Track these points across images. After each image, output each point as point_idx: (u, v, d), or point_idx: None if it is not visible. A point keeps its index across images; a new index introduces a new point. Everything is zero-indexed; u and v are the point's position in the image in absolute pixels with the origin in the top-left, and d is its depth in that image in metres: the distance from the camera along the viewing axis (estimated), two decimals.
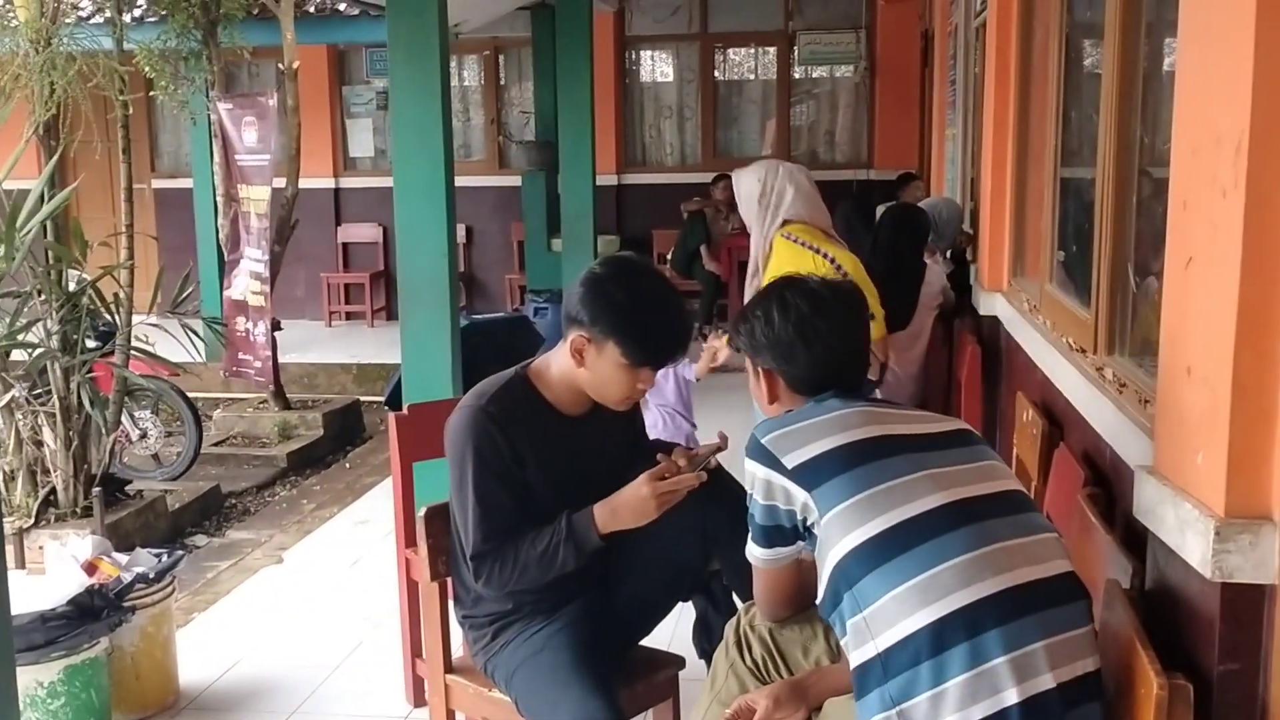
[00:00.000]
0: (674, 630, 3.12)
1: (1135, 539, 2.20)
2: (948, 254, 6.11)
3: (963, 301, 5.55)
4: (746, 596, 2.50)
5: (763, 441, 2.01)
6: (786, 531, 2.02)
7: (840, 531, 1.88)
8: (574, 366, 2.47)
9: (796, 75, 11.54)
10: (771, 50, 11.54)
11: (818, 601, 1.96)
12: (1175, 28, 2.11)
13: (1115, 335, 2.83)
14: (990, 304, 4.78)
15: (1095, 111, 3.02)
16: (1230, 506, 1.77)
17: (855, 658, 1.86)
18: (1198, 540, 1.80)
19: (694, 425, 5.08)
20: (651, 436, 5.07)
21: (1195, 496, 1.85)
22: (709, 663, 2.62)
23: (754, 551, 2.11)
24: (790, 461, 1.96)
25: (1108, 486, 2.64)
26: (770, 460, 1.98)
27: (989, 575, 1.81)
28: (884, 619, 1.82)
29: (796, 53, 11.35)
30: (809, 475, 1.94)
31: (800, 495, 1.94)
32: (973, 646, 1.76)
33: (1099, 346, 2.86)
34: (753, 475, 2.03)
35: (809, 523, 1.94)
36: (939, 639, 1.77)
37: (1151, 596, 2.08)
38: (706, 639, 2.84)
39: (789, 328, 2.15)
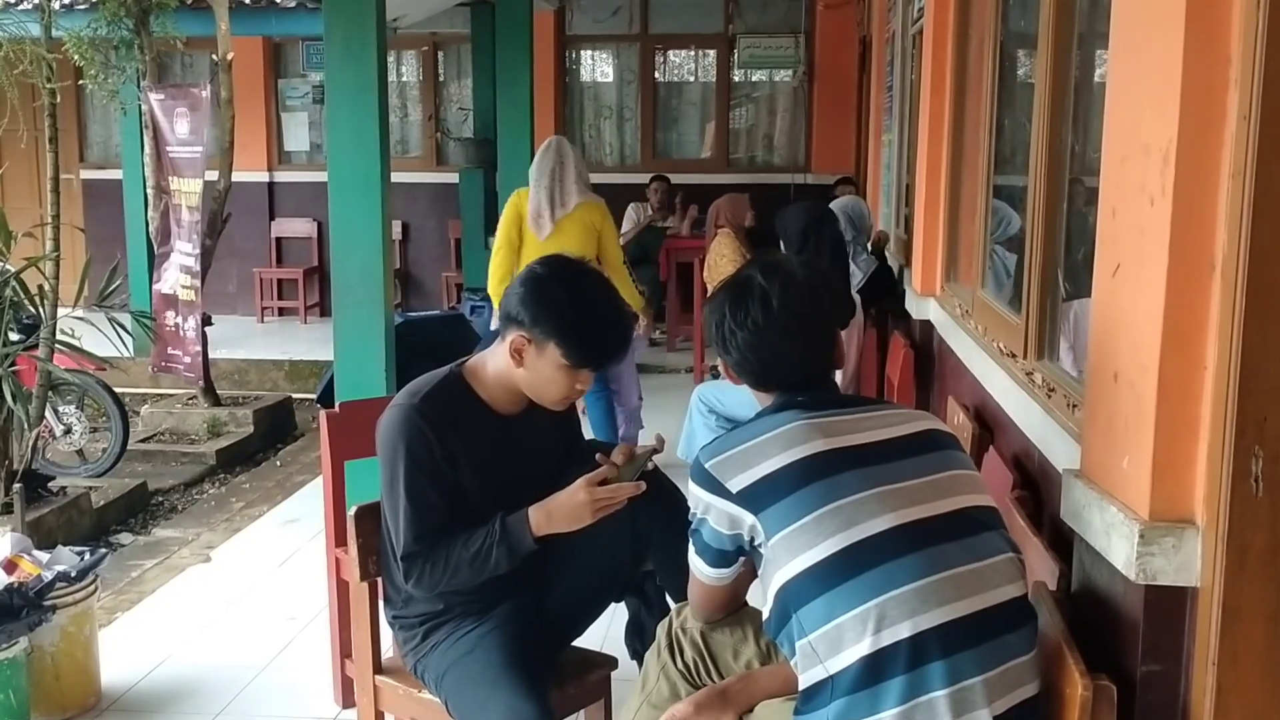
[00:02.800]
0: (606, 631, 3.12)
1: (1062, 541, 2.23)
2: (869, 250, 6.22)
3: (890, 303, 5.62)
4: (679, 597, 2.49)
5: (706, 466, 1.97)
6: (731, 554, 2.01)
7: (788, 554, 1.85)
8: (511, 366, 2.45)
9: (736, 78, 11.58)
10: (711, 53, 11.58)
11: (764, 619, 1.94)
12: (1107, 39, 2.14)
13: (1045, 341, 2.86)
14: (923, 308, 4.84)
15: (1028, 120, 3.06)
16: (1154, 510, 1.80)
17: (805, 679, 1.85)
18: (1122, 543, 1.83)
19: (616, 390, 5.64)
20: None
21: (1121, 500, 1.88)
22: (641, 663, 2.61)
23: (700, 568, 2.09)
24: (735, 486, 1.92)
25: (1035, 489, 2.68)
26: (714, 486, 1.94)
27: (934, 606, 1.78)
28: (830, 645, 1.80)
29: (736, 56, 11.39)
30: (755, 498, 1.90)
31: (747, 518, 1.90)
32: (912, 679, 1.76)
33: (1029, 351, 2.90)
34: (697, 500, 1.99)
35: (756, 543, 1.91)
36: (879, 669, 1.77)
37: (1077, 598, 2.11)
38: (639, 640, 2.84)
39: (712, 324, 2.11)
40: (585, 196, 5.38)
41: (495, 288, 5.45)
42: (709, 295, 2.21)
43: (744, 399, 2.41)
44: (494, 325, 5.57)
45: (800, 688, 1.87)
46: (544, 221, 5.32)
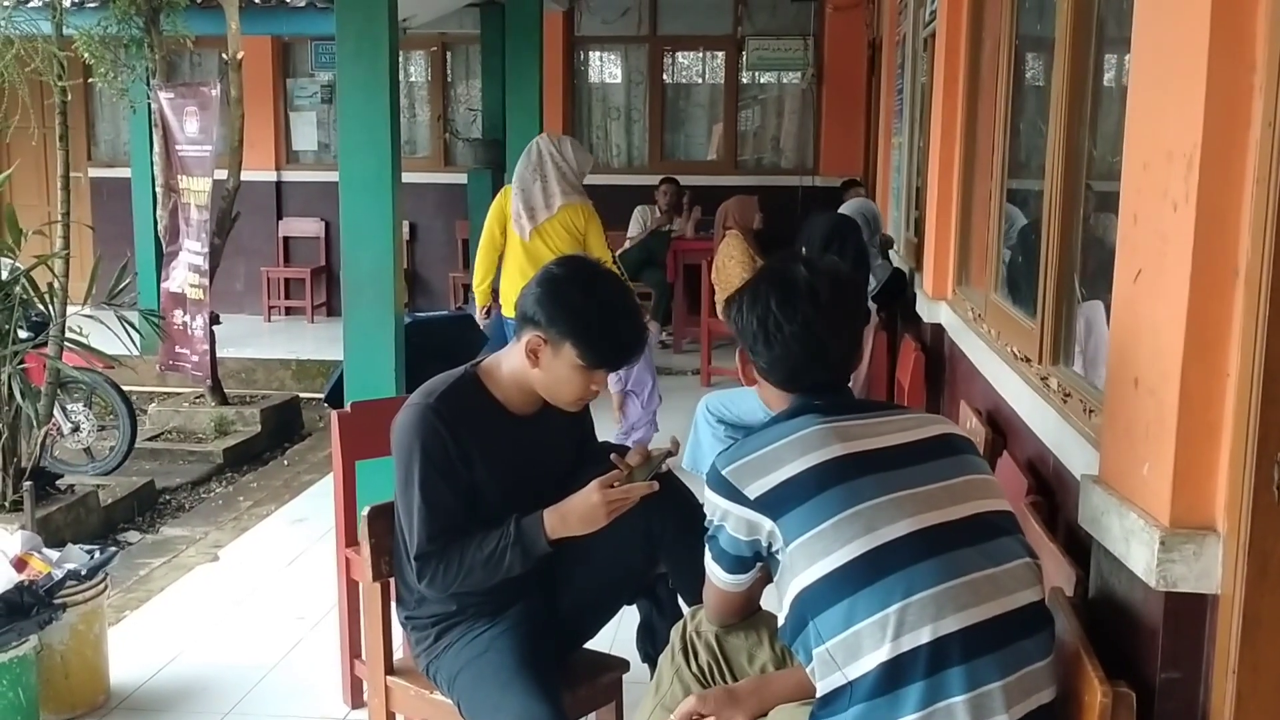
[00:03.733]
0: (616, 633, 3.11)
1: (1078, 547, 2.23)
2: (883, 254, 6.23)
3: (900, 306, 5.62)
4: (692, 600, 2.49)
5: (723, 473, 1.95)
6: (749, 560, 1.99)
7: (806, 561, 1.83)
8: (526, 366, 2.45)
9: (744, 80, 11.58)
10: (720, 55, 11.57)
11: (779, 625, 1.93)
12: (1126, 43, 2.13)
13: (1061, 345, 2.86)
14: (934, 312, 4.83)
15: (1043, 123, 3.05)
16: (1175, 517, 1.79)
17: (823, 686, 1.84)
18: (1142, 550, 1.82)
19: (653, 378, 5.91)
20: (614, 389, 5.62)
21: (1141, 506, 1.87)
22: (653, 666, 2.61)
23: (717, 574, 2.08)
24: (753, 492, 1.90)
25: (1050, 495, 2.67)
26: (731, 492, 1.93)
27: (953, 611, 1.77)
28: (848, 652, 1.79)
29: (745, 58, 11.39)
30: (773, 504, 1.88)
31: (766, 524, 1.89)
32: (931, 684, 1.75)
33: (1044, 356, 2.89)
34: (714, 506, 1.97)
35: (774, 549, 1.90)
36: (898, 675, 1.76)
37: (1095, 604, 2.10)
38: (650, 642, 2.83)
39: (754, 319, 2.07)
40: (569, 199, 5.44)
41: (477, 283, 5.76)
42: (743, 289, 2.15)
43: (754, 404, 2.41)
44: (478, 318, 5.83)
45: (819, 694, 1.86)
46: (523, 223, 5.45)
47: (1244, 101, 1.70)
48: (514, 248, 5.51)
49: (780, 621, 1.92)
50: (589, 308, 2.39)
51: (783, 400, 2.10)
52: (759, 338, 2.08)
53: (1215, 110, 1.72)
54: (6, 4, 5.40)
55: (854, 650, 1.79)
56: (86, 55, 7.14)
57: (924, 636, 1.76)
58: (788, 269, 2.10)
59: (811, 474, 1.88)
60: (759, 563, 2.00)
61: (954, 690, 1.75)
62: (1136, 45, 2.06)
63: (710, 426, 5.15)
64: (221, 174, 7.17)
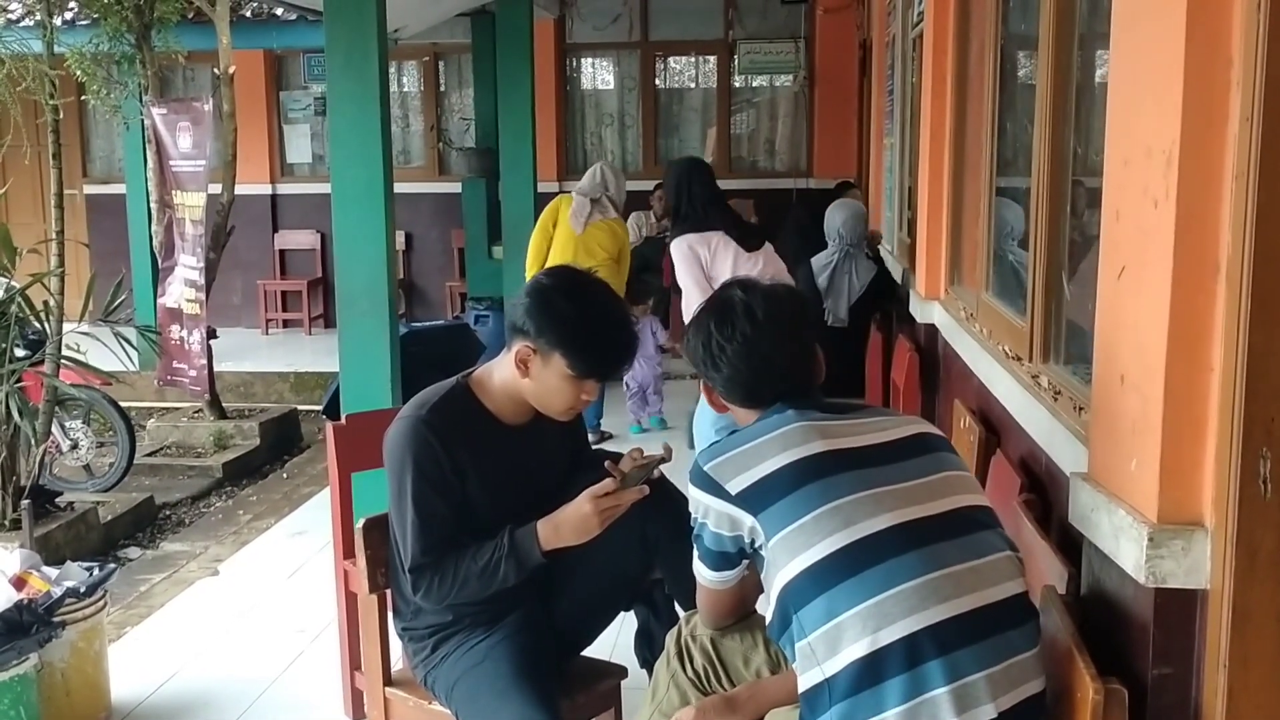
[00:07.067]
0: (616, 640, 3.12)
1: (1070, 545, 2.23)
2: (868, 255, 6.21)
3: (888, 308, 5.63)
4: (688, 605, 2.50)
5: (705, 469, 1.98)
6: (733, 556, 2.01)
7: (787, 555, 1.85)
8: (517, 377, 2.46)
9: (737, 84, 11.59)
10: (712, 59, 11.59)
11: (767, 623, 1.95)
12: (1108, 39, 2.14)
13: (1050, 343, 2.86)
14: (928, 312, 4.83)
15: (1030, 122, 3.06)
16: (1163, 513, 1.79)
17: (803, 682, 1.85)
18: (1131, 546, 1.82)
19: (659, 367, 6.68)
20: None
21: (1129, 503, 1.88)
22: (651, 672, 2.62)
23: (702, 573, 2.10)
24: (734, 487, 1.93)
25: (1043, 493, 2.67)
26: (714, 488, 1.95)
27: (933, 603, 1.79)
28: (829, 645, 1.80)
29: (737, 62, 11.40)
30: (754, 499, 1.91)
31: (747, 520, 1.91)
32: (913, 677, 1.76)
33: (1034, 354, 2.90)
34: (697, 502, 2.00)
35: (756, 544, 1.92)
36: (879, 668, 1.77)
37: (1087, 602, 2.10)
38: (648, 648, 2.84)
39: (699, 345, 2.14)
40: (608, 215, 6.40)
41: (528, 270, 6.42)
42: (689, 321, 2.24)
43: None
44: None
45: (800, 691, 1.87)
46: (580, 219, 6.30)
47: (1221, 97, 1.71)
48: (565, 241, 6.22)
49: (768, 619, 1.94)
50: (578, 318, 2.40)
51: (751, 417, 2.13)
52: (706, 362, 2.14)
53: (1193, 106, 1.72)
54: None
55: (834, 644, 1.80)
56: (78, 73, 7.15)
57: (902, 630, 1.78)
58: (724, 293, 2.17)
59: (791, 469, 1.90)
60: (744, 560, 2.02)
61: (935, 683, 1.76)
62: (1115, 41, 2.06)
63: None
64: (215, 188, 7.18)
